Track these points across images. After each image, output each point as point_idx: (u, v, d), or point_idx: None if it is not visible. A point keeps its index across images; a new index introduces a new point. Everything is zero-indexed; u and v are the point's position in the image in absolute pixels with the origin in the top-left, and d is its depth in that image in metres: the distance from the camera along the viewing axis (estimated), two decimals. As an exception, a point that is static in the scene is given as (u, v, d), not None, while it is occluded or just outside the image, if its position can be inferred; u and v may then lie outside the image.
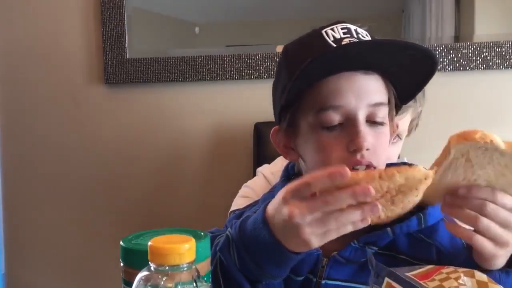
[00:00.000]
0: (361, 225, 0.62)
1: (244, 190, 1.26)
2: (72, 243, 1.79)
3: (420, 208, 0.76)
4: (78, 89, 1.75)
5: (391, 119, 0.78)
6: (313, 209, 0.61)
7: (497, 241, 0.66)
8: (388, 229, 0.75)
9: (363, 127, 0.72)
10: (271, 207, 0.67)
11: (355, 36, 0.75)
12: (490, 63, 1.57)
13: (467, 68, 1.58)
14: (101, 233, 1.77)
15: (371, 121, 0.74)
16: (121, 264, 0.66)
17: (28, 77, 1.78)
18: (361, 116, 0.72)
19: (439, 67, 1.57)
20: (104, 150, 1.76)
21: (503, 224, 0.65)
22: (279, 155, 1.32)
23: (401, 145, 1.13)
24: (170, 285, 0.53)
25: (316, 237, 0.63)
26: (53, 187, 1.79)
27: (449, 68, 1.58)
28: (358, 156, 0.72)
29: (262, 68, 1.64)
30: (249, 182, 1.27)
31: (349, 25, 0.77)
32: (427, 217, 0.75)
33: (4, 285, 1.78)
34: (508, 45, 1.56)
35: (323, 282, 0.77)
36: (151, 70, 1.68)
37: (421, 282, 0.56)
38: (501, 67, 1.57)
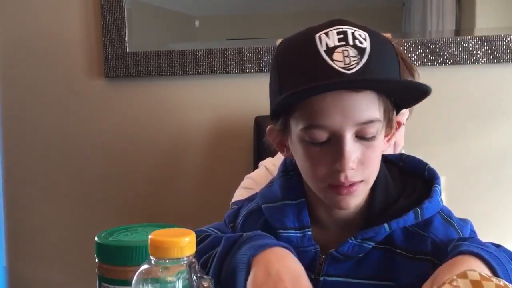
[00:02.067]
0: None
1: (246, 181, 1.25)
2: (72, 237, 1.80)
3: (417, 202, 0.76)
4: (78, 82, 1.75)
5: (389, 126, 0.76)
6: None
7: None
8: (385, 224, 0.75)
9: (349, 147, 0.70)
10: None
11: (351, 43, 0.70)
12: (491, 57, 1.56)
13: (468, 62, 1.57)
14: (101, 226, 1.77)
15: (360, 137, 0.71)
16: (96, 260, 0.67)
17: (28, 70, 1.77)
18: (348, 135, 0.70)
19: (440, 61, 1.57)
20: (104, 144, 1.76)
21: None
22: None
23: (403, 130, 1.13)
24: (170, 278, 0.54)
25: None
26: (54, 180, 1.80)
27: (449, 62, 1.58)
28: (342, 177, 0.71)
29: (262, 62, 1.63)
30: (252, 174, 1.27)
31: (346, 28, 0.72)
32: (424, 211, 0.75)
33: (5, 279, 1.79)
34: (509, 39, 1.56)
35: (322, 279, 0.77)
36: (151, 64, 1.68)
37: None
38: (502, 61, 1.56)
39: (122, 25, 1.68)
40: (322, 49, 0.69)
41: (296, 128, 0.74)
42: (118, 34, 1.69)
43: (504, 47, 1.56)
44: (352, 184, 0.72)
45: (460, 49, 1.57)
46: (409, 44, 1.57)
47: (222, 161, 1.71)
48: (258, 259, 0.70)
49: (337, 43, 0.70)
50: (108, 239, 0.70)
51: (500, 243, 0.77)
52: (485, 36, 1.56)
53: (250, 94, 1.66)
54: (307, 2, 1.72)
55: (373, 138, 0.72)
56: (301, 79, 0.70)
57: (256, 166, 1.40)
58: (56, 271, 1.82)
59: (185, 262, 0.55)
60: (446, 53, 1.58)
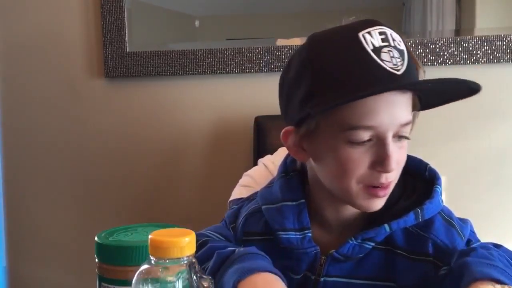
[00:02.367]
0: None
1: (244, 179, 1.24)
2: (72, 237, 1.80)
3: (418, 203, 0.76)
4: (78, 82, 1.75)
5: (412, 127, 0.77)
6: None
7: None
8: (386, 225, 0.74)
9: (392, 147, 0.70)
10: None
11: (392, 44, 0.70)
12: (491, 57, 1.56)
13: (468, 62, 1.57)
14: (101, 226, 1.77)
15: (396, 137, 0.72)
16: (96, 260, 0.67)
17: (28, 70, 1.77)
18: (391, 136, 0.70)
19: (440, 61, 1.57)
20: (104, 144, 1.76)
21: None
22: (279, 148, 1.32)
23: None
24: (170, 278, 0.54)
25: None
26: (54, 180, 1.80)
27: (449, 62, 1.58)
28: (383, 178, 0.71)
29: (263, 62, 1.63)
30: (250, 171, 1.26)
31: (384, 28, 0.71)
32: (424, 211, 0.75)
33: (5, 278, 1.79)
34: (509, 39, 1.56)
35: (322, 279, 0.77)
36: (151, 64, 1.68)
37: None
38: (502, 61, 1.56)
39: (122, 25, 1.68)
40: (369, 47, 0.68)
41: (332, 130, 0.72)
42: (118, 34, 1.69)
43: (504, 47, 1.56)
44: (389, 185, 0.73)
45: (460, 49, 1.57)
46: (409, 44, 1.57)
47: (222, 161, 1.71)
48: (244, 284, 0.67)
49: (381, 44, 0.69)
50: (108, 239, 0.70)
51: (500, 243, 0.77)
52: (485, 36, 1.56)
53: (250, 94, 1.66)
54: (307, 2, 1.72)
55: (406, 138, 0.73)
56: (349, 81, 0.68)
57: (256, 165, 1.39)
58: (56, 271, 1.82)
59: (185, 262, 0.55)
60: (446, 53, 1.58)
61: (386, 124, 0.69)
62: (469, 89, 0.71)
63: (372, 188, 0.72)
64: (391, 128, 0.70)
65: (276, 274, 0.70)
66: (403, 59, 0.70)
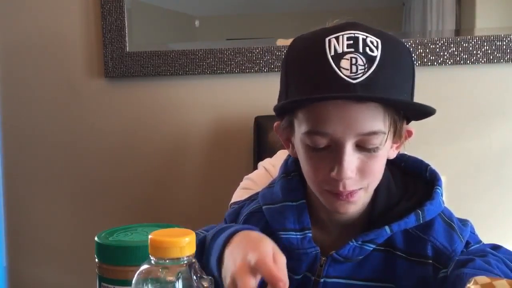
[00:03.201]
0: None
1: (245, 182, 1.25)
2: (72, 237, 1.80)
3: (419, 204, 0.76)
4: (78, 82, 1.75)
5: (397, 136, 0.74)
6: None
7: None
8: (386, 227, 0.74)
9: (348, 156, 0.69)
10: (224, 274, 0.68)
11: (361, 50, 0.68)
12: (491, 57, 1.56)
13: (468, 62, 1.57)
14: (101, 226, 1.77)
15: (361, 146, 0.70)
16: (96, 260, 0.67)
17: (28, 70, 1.77)
18: (349, 145, 0.69)
19: (440, 61, 1.57)
20: (104, 144, 1.76)
21: None
22: (279, 149, 1.33)
23: None
24: (171, 278, 0.54)
25: None
26: (54, 180, 1.80)
27: (449, 62, 1.58)
28: (340, 186, 0.71)
29: (262, 62, 1.63)
30: (251, 175, 1.27)
31: (358, 33, 0.69)
32: (425, 213, 0.75)
33: (5, 279, 1.79)
34: (509, 39, 1.55)
35: (322, 280, 0.77)
36: (151, 64, 1.68)
37: None
38: (502, 61, 1.56)
39: (122, 25, 1.68)
40: (330, 54, 0.68)
41: (299, 129, 0.73)
42: (118, 34, 1.69)
43: (504, 47, 1.56)
44: (351, 192, 0.72)
45: (460, 49, 1.57)
46: (409, 44, 1.57)
47: (222, 161, 1.71)
48: (231, 245, 0.69)
49: (346, 49, 0.68)
50: (108, 239, 0.70)
51: (500, 243, 0.77)
52: (485, 36, 1.56)
53: (250, 94, 1.66)
54: (307, 2, 1.72)
55: (375, 149, 0.71)
56: (306, 84, 0.69)
57: (256, 166, 1.40)
58: (56, 271, 1.82)
59: (185, 262, 0.55)
60: (446, 53, 1.58)
61: (340, 131, 0.69)
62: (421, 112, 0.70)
63: (334, 193, 0.73)
64: (348, 136, 0.69)
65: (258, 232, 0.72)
66: (369, 67, 0.67)
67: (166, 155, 1.74)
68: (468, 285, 0.58)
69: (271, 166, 1.24)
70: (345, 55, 0.68)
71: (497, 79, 1.60)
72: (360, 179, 0.72)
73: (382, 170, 0.75)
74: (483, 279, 0.58)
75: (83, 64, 1.74)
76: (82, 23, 1.73)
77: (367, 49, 0.68)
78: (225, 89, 1.69)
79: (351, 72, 0.67)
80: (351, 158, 0.70)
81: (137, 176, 1.75)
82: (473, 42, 1.57)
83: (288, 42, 1.78)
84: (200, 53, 1.66)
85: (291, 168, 0.85)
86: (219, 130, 1.70)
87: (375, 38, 0.70)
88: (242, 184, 1.26)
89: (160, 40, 1.74)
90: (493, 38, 1.56)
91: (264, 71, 1.63)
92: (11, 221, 1.80)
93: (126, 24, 1.68)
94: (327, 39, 0.69)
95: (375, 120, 0.69)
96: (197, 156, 1.72)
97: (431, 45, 1.58)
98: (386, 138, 0.71)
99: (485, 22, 1.64)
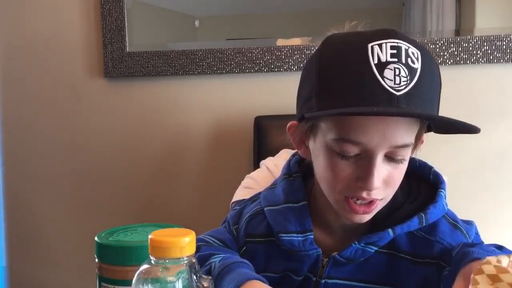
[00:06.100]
0: None
1: (246, 181, 1.24)
2: (72, 237, 1.80)
3: (422, 207, 0.76)
4: (78, 82, 1.75)
5: (416, 146, 0.74)
6: None
7: None
8: (389, 229, 0.74)
9: (378, 168, 0.68)
10: None
11: (404, 61, 0.66)
12: (491, 57, 1.56)
13: (468, 62, 1.57)
14: (101, 226, 1.77)
15: (390, 157, 0.70)
16: (96, 260, 0.67)
17: (28, 70, 1.77)
18: (380, 156, 0.68)
19: (439, 61, 1.57)
20: (104, 144, 1.76)
21: None
22: (280, 149, 1.32)
23: None
24: (170, 278, 0.54)
25: None
26: (54, 180, 1.80)
27: (449, 62, 1.58)
28: (364, 194, 0.70)
29: (263, 62, 1.63)
30: (252, 173, 1.27)
31: (400, 43, 0.67)
32: (428, 216, 0.75)
33: (5, 279, 1.79)
34: (509, 39, 1.56)
35: (323, 281, 0.77)
36: (151, 64, 1.68)
37: None
38: (502, 61, 1.56)
39: (122, 25, 1.68)
40: (373, 62, 0.66)
41: (326, 135, 0.71)
42: (118, 34, 1.69)
43: (504, 47, 1.56)
44: (371, 202, 0.71)
45: (460, 49, 1.57)
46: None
47: (222, 161, 1.71)
48: None
49: (389, 59, 0.66)
50: (108, 239, 0.70)
51: (501, 244, 0.77)
52: (485, 36, 1.56)
53: (250, 94, 1.66)
54: (307, 2, 1.72)
55: (402, 160, 0.71)
56: (348, 93, 0.66)
57: (256, 166, 1.40)
58: (56, 271, 1.82)
59: (185, 262, 0.55)
60: (446, 53, 1.58)
61: (376, 143, 0.67)
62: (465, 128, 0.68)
63: (353, 204, 0.71)
64: (381, 147, 0.68)
65: (262, 281, 0.70)
66: (411, 79, 0.66)
67: (166, 155, 1.74)
68: (473, 275, 0.57)
69: (273, 166, 1.23)
70: (388, 64, 0.66)
71: (497, 79, 1.60)
72: (383, 189, 0.71)
73: (401, 181, 0.74)
74: (489, 269, 0.57)
75: (83, 64, 1.74)
76: (82, 23, 1.73)
77: (409, 60, 0.67)
78: (225, 89, 1.69)
79: (394, 83, 0.66)
80: (381, 169, 0.69)
81: (137, 176, 1.75)
82: (473, 42, 1.57)
83: (288, 42, 1.78)
84: (200, 53, 1.66)
85: (293, 169, 0.84)
86: (219, 130, 1.70)
87: (415, 49, 0.69)
88: (243, 182, 1.25)
89: (160, 40, 1.74)
90: (493, 38, 1.56)
91: (264, 71, 1.63)
92: (11, 221, 1.80)
93: (126, 24, 1.68)
94: (369, 46, 0.67)
95: (408, 133, 0.69)
96: (197, 156, 1.72)
97: (431, 45, 1.58)
98: (411, 149, 0.71)
99: (485, 22, 1.64)
